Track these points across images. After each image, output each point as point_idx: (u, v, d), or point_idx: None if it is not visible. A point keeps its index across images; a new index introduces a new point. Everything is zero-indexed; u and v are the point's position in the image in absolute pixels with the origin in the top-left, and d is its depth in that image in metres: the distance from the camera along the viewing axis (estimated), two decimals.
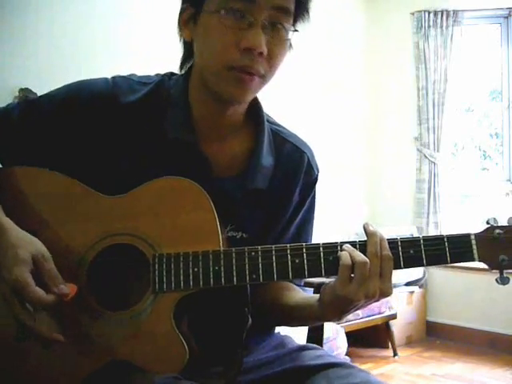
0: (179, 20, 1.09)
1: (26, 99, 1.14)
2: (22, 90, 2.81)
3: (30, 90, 2.78)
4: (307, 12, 1.08)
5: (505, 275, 1.00)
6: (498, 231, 1.00)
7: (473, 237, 1.00)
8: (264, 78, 1.05)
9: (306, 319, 1.14)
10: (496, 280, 1.00)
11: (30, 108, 1.11)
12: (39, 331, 0.95)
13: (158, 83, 1.13)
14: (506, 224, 1.01)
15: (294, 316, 1.14)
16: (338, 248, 0.99)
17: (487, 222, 1.01)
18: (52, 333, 0.96)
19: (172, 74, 1.16)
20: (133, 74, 1.16)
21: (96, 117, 1.08)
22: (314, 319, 1.12)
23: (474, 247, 0.99)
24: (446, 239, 0.99)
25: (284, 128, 1.23)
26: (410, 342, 4.08)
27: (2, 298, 0.96)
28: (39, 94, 1.17)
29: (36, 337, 0.96)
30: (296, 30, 1.05)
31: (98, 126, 1.08)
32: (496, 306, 3.89)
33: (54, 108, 1.10)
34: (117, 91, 1.10)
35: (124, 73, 1.17)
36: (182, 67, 1.15)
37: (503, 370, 3.56)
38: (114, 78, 1.13)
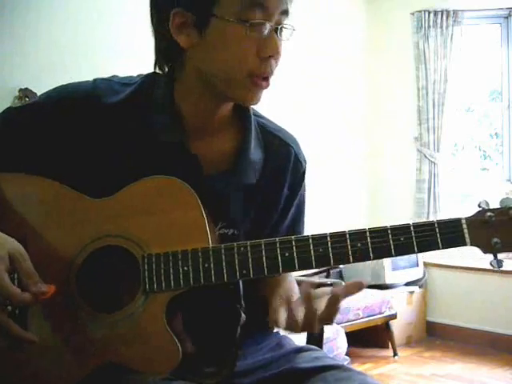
0: (171, 25, 1.04)
1: (9, 108, 1.14)
2: (21, 90, 2.81)
3: (30, 90, 2.78)
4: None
5: (498, 258, 0.98)
6: (489, 214, 0.97)
7: (464, 221, 0.97)
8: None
9: None
10: (490, 263, 0.98)
11: (12, 116, 1.12)
12: (10, 329, 0.94)
13: (140, 84, 1.12)
14: (497, 207, 0.98)
15: None
16: (328, 239, 0.98)
17: (478, 205, 0.98)
18: (24, 332, 0.95)
19: (155, 73, 1.15)
20: (114, 76, 1.15)
21: (79, 119, 1.07)
22: None
23: (466, 231, 0.96)
24: (436, 225, 0.97)
25: (269, 121, 1.23)
26: (409, 342, 4.08)
27: None
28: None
29: (8, 335, 0.94)
30: (294, 30, 1.07)
31: (82, 129, 1.07)
32: (496, 306, 3.89)
33: (38, 114, 1.09)
34: (99, 93, 1.09)
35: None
36: (160, 67, 1.12)
37: (503, 370, 3.57)
38: (95, 80, 1.12)
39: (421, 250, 0.98)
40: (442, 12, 4.15)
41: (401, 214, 4.37)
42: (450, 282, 4.14)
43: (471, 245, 0.97)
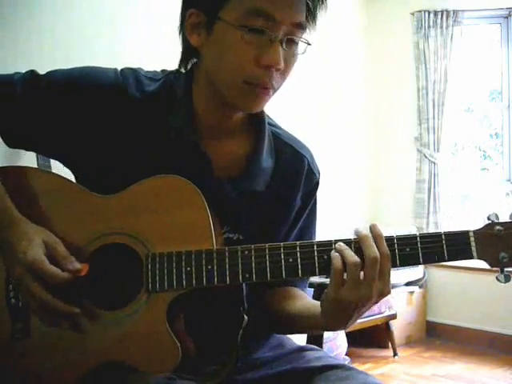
0: (185, 24, 1.07)
1: (32, 72, 1.11)
2: None
3: None
4: (315, 22, 1.08)
5: (505, 273, 0.96)
6: (498, 227, 0.96)
7: (471, 234, 0.96)
8: (276, 90, 1.08)
9: (309, 329, 1.14)
10: (496, 278, 0.97)
11: (36, 83, 1.09)
12: (55, 305, 0.97)
13: (164, 81, 1.13)
14: (507, 220, 0.97)
15: (297, 325, 1.14)
16: (333, 246, 0.98)
17: (488, 218, 0.97)
18: (68, 306, 0.98)
19: (178, 71, 1.15)
20: (140, 68, 1.15)
21: (101, 106, 1.07)
22: (318, 328, 1.11)
23: (473, 244, 0.96)
24: (443, 236, 0.97)
25: (284, 130, 1.23)
26: (409, 342, 4.08)
27: (15, 282, 1.00)
28: None
29: (52, 311, 0.98)
30: (309, 44, 1.07)
31: (102, 116, 1.07)
32: (496, 306, 3.89)
33: (60, 87, 1.08)
34: (126, 84, 1.09)
35: None
36: (181, 66, 1.14)
37: (503, 370, 3.56)
38: (123, 70, 1.12)
39: (426, 262, 0.97)
40: (441, 12, 4.14)
41: (401, 213, 4.37)
42: (450, 282, 4.14)
43: (478, 258, 0.96)
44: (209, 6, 1.03)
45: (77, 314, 0.98)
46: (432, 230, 4.19)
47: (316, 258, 0.98)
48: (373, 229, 0.99)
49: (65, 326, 1.00)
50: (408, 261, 0.98)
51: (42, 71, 1.12)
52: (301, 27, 1.04)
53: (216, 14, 1.02)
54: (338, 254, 0.96)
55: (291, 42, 1.04)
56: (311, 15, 1.06)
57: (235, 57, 1.02)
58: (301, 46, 1.06)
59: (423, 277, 4.18)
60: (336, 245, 0.97)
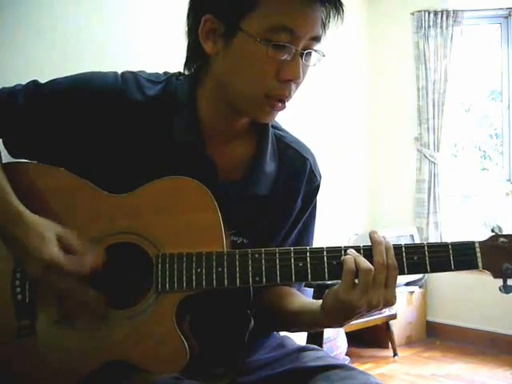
0: (199, 30, 1.05)
1: (34, 82, 1.12)
2: None
3: None
4: (325, 32, 1.10)
5: (508, 284, 1.00)
6: (502, 239, 1.00)
7: (477, 245, 1.00)
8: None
9: (307, 325, 1.14)
10: (499, 288, 1.00)
11: (37, 93, 1.10)
12: (85, 290, 1.00)
13: (166, 83, 1.12)
14: (510, 233, 1.01)
15: (296, 322, 1.15)
16: (342, 252, 1.00)
17: (492, 230, 1.01)
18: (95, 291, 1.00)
19: (180, 73, 1.15)
20: (142, 71, 1.15)
21: (102, 111, 1.07)
22: (315, 325, 1.12)
23: (479, 255, 0.99)
24: (450, 246, 1.00)
25: (287, 133, 1.23)
26: (410, 342, 4.08)
27: (31, 279, 1.01)
28: None
29: (83, 296, 1.00)
30: (324, 55, 1.08)
31: (104, 121, 1.07)
32: (496, 306, 3.89)
33: (61, 96, 1.08)
34: (125, 88, 1.09)
35: None
36: (187, 68, 1.14)
37: (503, 370, 3.57)
38: (123, 73, 1.12)
39: (433, 271, 1.00)
40: (441, 12, 4.14)
41: (401, 214, 4.37)
42: (450, 281, 4.14)
43: (483, 269, 1.00)
44: (229, 15, 1.02)
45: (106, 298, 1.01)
46: (432, 230, 4.19)
47: (326, 263, 1.00)
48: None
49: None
50: (415, 269, 1.01)
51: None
52: (317, 40, 1.06)
53: (236, 24, 1.01)
54: (351, 256, 0.98)
55: (308, 54, 1.05)
56: (324, 27, 1.08)
57: (258, 71, 1.02)
58: (314, 57, 1.08)
59: (423, 277, 4.18)
60: (348, 251, 1.00)
